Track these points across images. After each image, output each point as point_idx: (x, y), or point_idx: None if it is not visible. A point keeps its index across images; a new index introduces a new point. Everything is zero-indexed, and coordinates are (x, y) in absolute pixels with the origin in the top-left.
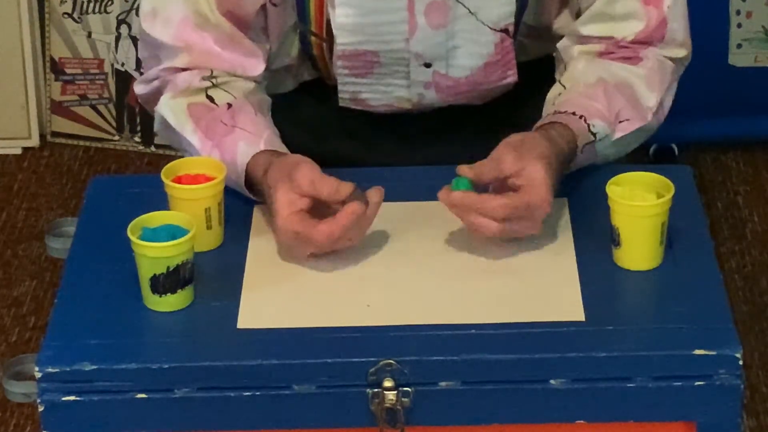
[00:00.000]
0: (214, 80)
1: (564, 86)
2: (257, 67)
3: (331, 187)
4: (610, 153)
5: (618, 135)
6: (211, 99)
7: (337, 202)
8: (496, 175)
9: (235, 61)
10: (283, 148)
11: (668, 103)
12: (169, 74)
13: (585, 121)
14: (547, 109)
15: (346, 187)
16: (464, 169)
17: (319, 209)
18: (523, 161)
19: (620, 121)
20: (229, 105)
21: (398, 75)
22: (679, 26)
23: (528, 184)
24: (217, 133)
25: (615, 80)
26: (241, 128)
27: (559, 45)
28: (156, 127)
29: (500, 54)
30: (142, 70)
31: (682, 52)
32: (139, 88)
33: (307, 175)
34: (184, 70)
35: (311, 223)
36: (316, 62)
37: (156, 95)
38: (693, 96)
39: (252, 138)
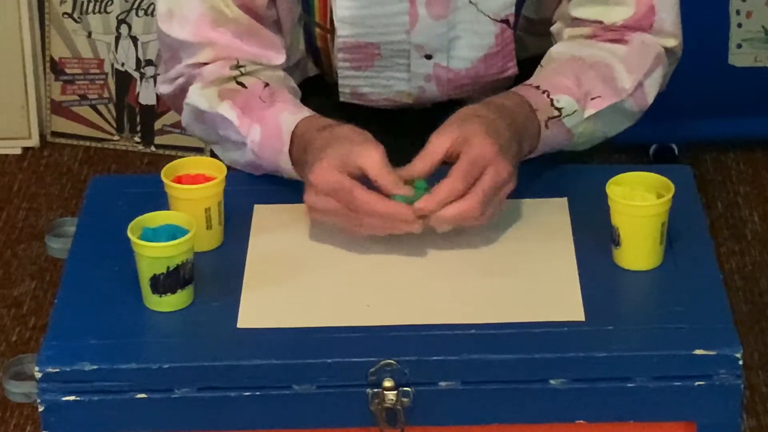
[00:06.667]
0: (242, 69)
1: (542, 66)
2: (278, 57)
3: (393, 181)
4: (587, 132)
5: (590, 111)
6: (242, 85)
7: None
8: (430, 164)
9: (257, 52)
10: None
11: (651, 87)
12: (194, 69)
13: (548, 96)
14: None
15: (406, 190)
16: (402, 173)
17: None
18: (447, 135)
19: (592, 98)
20: (266, 84)
21: (399, 68)
22: (668, 16)
23: (464, 144)
24: (255, 109)
25: (591, 59)
26: (282, 102)
27: (552, 29)
28: (185, 121)
29: (500, 45)
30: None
31: (671, 42)
32: (162, 88)
33: (376, 158)
34: (208, 63)
35: (356, 182)
36: (319, 56)
37: (181, 92)
38: (693, 96)
39: (294, 109)
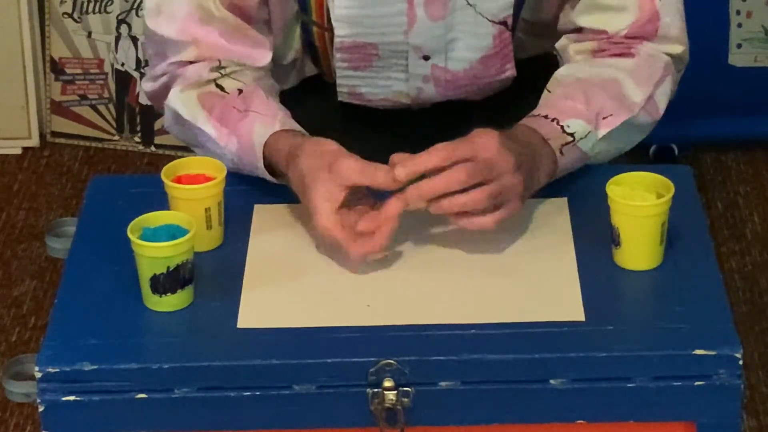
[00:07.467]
0: (222, 70)
1: (549, 91)
2: (264, 58)
3: (386, 173)
4: (602, 150)
5: (604, 131)
6: (221, 88)
7: (394, 188)
8: (413, 167)
9: (242, 53)
10: (299, 128)
11: (662, 98)
12: (178, 68)
13: (558, 123)
14: None
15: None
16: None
17: (355, 194)
18: (459, 143)
19: (604, 118)
20: (240, 91)
21: (397, 68)
22: (672, 21)
23: (473, 142)
24: (231, 120)
25: (599, 78)
26: (255, 111)
27: (557, 45)
28: (167, 123)
29: (499, 47)
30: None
31: (677, 49)
32: (146, 86)
33: (353, 165)
34: (191, 63)
35: (350, 234)
36: (317, 55)
37: (164, 91)
38: (693, 96)
39: (266, 119)
